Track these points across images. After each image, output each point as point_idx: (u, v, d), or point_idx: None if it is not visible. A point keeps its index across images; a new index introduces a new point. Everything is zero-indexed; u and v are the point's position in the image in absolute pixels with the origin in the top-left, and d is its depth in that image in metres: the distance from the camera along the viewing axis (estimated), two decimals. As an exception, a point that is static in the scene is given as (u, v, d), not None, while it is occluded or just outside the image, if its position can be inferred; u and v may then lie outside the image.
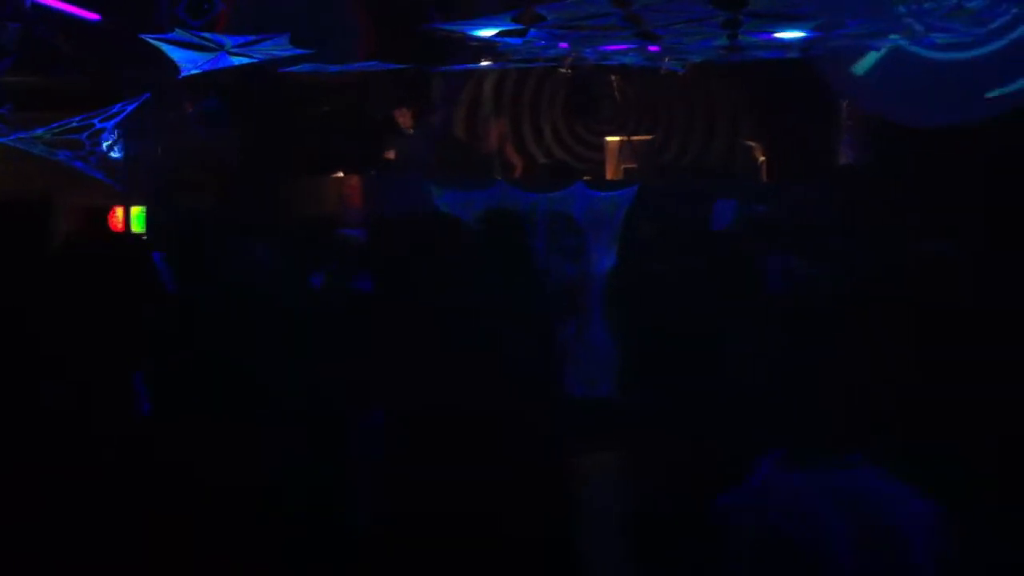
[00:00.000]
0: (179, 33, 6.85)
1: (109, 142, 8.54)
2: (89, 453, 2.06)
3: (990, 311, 3.05)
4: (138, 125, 8.36)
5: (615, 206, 8.20)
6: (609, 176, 10.84)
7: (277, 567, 2.09)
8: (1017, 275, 3.35)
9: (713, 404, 2.90)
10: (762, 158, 10.63)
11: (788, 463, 2.09)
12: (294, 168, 10.01)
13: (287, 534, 2.14)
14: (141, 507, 1.96)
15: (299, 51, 7.15)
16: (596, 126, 12.36)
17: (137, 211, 9.35)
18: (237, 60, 7.17)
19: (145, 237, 8.85)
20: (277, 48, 7.01)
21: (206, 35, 6.92)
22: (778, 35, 7.30)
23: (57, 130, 7.86)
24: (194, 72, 7.27)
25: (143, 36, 7.01)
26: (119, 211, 9.36)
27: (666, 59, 9.07)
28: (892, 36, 7.28)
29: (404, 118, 10.30)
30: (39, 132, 8.11)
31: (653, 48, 8.14)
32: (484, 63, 9.63)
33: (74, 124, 7.84)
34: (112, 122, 7.89)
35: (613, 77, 11.56)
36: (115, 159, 8.88)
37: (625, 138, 11.16)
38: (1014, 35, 7.56)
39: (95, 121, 7.83)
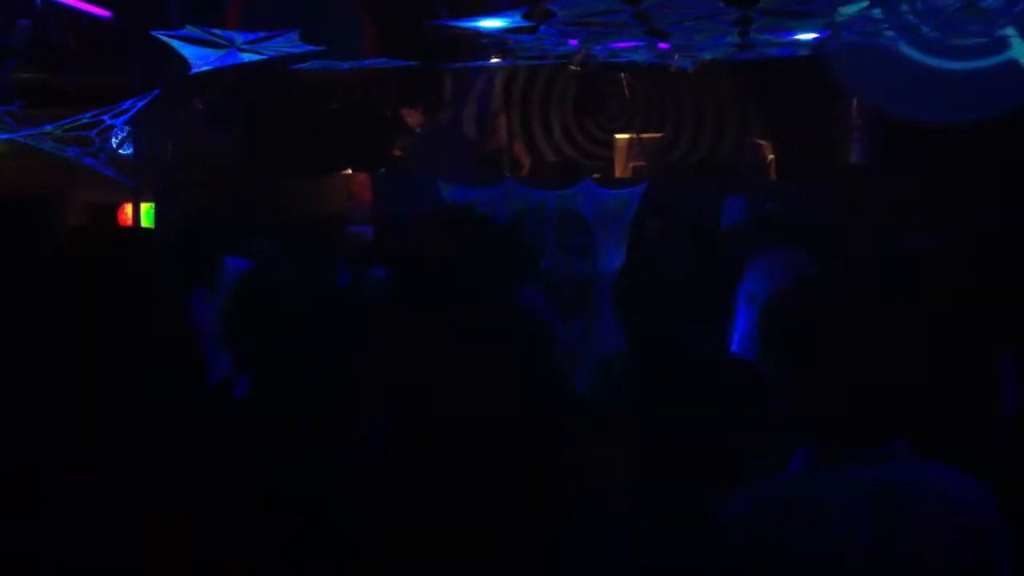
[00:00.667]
0: (189, 30, 6.86)
1: (119, 139, 8.56)
2: (98, 451, 2.06)
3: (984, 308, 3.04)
4: (148, 121, 8.37)
5: (624, 204, 8.20)
6: (618, 174, 10.83)
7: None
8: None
9: (720, 403, 2.90)
10: (771, 156, 10.61)
11: (816, 459, 2.00)
12: (303, 165, 10.02)
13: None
14: (172, 506, 1.96)
15: (309, 48, 7.16)
16: (605, 123, 12.35)
17: (147, 207, 9.37)
18: (247, 57, 7.18)
19: (153, 232, 8.87)
20: (287, 45, 7.02)
21: (216, 32, 6.94)
22: (791, 37, 7.28)
23: (67, 126, 7.88)
24: (204, 69, 7.28)
25: (153, 32, 7.02)
26: (128, 207, 9.37)
27: (676, 56, 9.06)
28: (894, 33, 7.27)
29: (413, 115, 10.30)
30: (49, 128, 8.13)
31: (663, 45, 8.13)
32: (494, 60, 9.63)
33: (84, 120, 7.86)
34: (122, 119, 7.91)
35: (622, 74, 11.54)
36: (125, 155, 8.90)
37: (634, 136, 11.15)
38: (998, 58, 7.59)
39: (105, 118, 7.85)
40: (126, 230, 6.82)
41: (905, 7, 6.19)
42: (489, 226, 3.32)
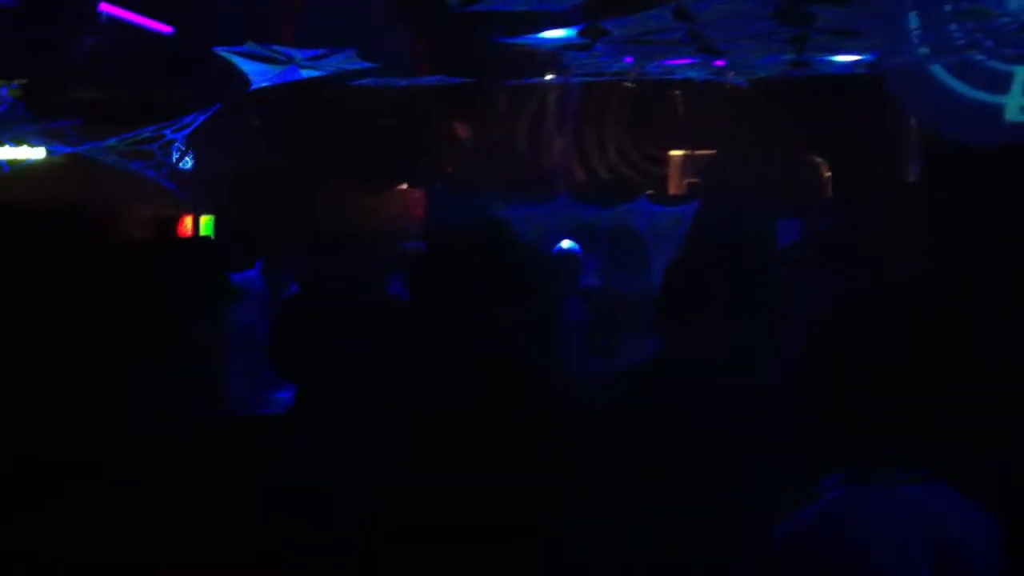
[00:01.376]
0: (250, 46, 6.99)
1: (179, 153, 8.72)
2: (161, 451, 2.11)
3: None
4: (208, 136, 8.52)
5: (678, 221, 8.19)
6: (672, 191, 10.82)
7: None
8: None
9: (766, 425, 2.89)
10: (827, 174, 10.54)
11: (851, 483, 1.99)
12: (359, 181, 10.12)
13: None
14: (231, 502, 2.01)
15: (367, 64, 7.25)
16: (659, 140, 12.34)
17: (206, 220, 9.53)
18: (306, 73, 7.29)
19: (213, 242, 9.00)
20: (346, 62, 7.13)
21: (277, 48, 7.05)
22: (842, 58, 7.23)
23: (130, 140, 8.05)
24: (264, 85, 7.41)
25: (215, 48, 7.15)
26: (188, 220, 9.54)
27: (730, 74, 9.05)
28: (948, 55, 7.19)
29: (468, 132, 10.38)
30: (112, 142, 8.31)
31: (718, 63, 8.13)
32: (548, 77, 9.68)
33: (146, 135, 8.02)
34: (183, 133, 8.06)
35: (677, 92, 11.53)
36: (185, 169, 9.06)
37: (688, 152, 11.14)
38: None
39: (167, 132, 8.01)
40: (187, 241, 6.93)
41: (953, 27, 6.15)
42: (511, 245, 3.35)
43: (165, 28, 8.43)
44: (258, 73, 7.34)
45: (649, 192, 9.51)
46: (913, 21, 5.97)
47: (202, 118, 8.04)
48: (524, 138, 11.33)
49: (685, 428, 2.82)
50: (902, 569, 1.91)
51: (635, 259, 8.23)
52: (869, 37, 6.55)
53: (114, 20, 8.44)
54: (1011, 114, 6.74)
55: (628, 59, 8.20)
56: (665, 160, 11.53)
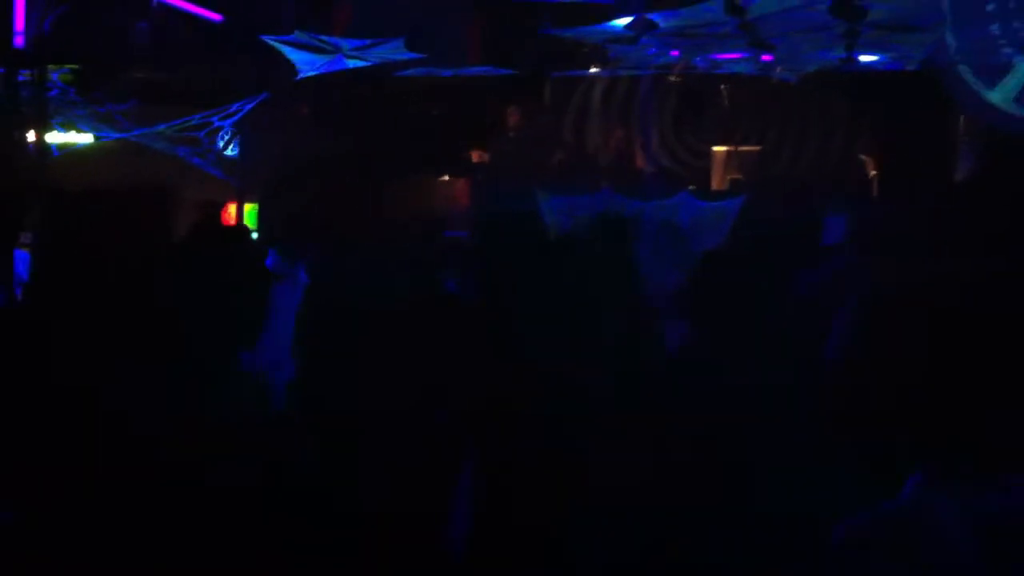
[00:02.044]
0: (298, 35, 7.03)
1: (225, 140, 8.79)
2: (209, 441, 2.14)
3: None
4: (254, 124, 8.58)
5: (721, 216, 8.14)
6: (715, 186, 10.76)
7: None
8: None
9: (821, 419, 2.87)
10: (874, 171, 10.44)
11: (930, 485, 1.93)
12: (402, 170, 10.14)
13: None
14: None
15: (413, 55, 7.28)
16: (704, 135, 12.26)
17: (250, 207, 9.59)
18: (353, 63, 7.33)
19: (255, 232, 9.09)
20: (392, 52, 7.15)
21: (324, 38, 7.09)
22: (899, 51, 7.15)
23: (178, 127, 8.13)
24: (311, 74, 7.45)
25: (263, 37, 7.20)
26: (232, 207, 9.60)
27: (778, 68, 8.98)
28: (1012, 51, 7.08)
29: (513, 123, 10.38)
30: (161, 128, 8.39)
31: (766, 57, 8.07)
32: (594, 69, 9.66)
33: (194, 121, 8.10)
34: (230, 120, 8.13)
35: (723, 86, 11.46)
36: (231, 156, 9.13)
37: (733, 148, 11.07)
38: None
39: (214, 119, 8.08)
40: (230, 229, 6.98)
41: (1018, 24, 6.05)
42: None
43: (214, 16, 8.50)
44: (305, 62, 7.39)
45: (692, 187, 9.46)
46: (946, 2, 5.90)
47: (249, 106, 8.10)
48: (568, 130, 11.31)
49: (721, 424, 2.81)
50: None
51: (677, 253, 8.21)
52: (923, 32, 6.48)
53: (165, 7, 8.52)
54: (997, 100, 6.65)
55: (674, 53, 8.17)
56: (709, 155, 11.45)
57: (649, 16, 6.47)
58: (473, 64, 8.83)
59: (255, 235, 9.06)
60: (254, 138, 8.92)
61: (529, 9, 7.07)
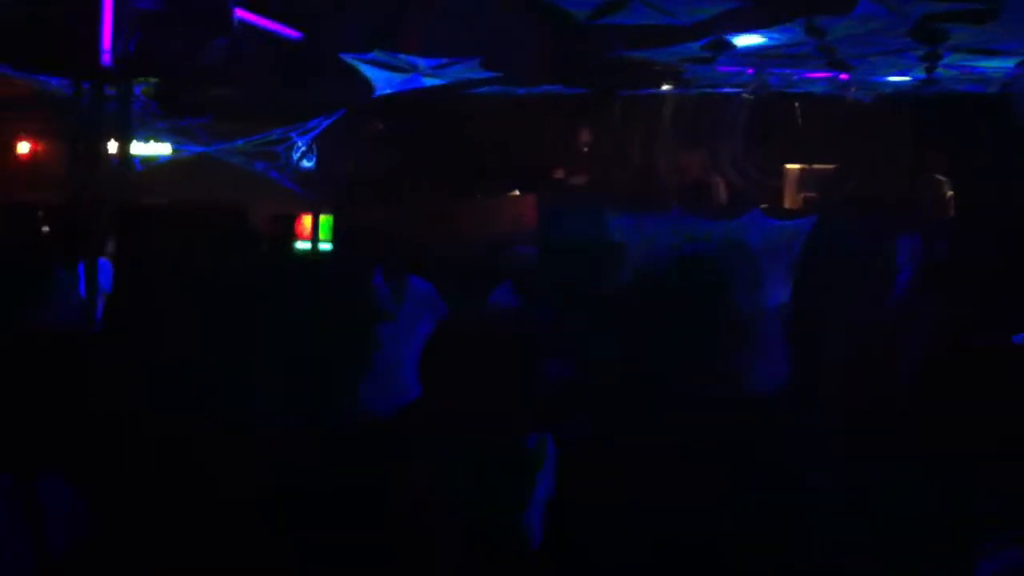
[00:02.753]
0: (377, 54, 7.14)
1: (301, 153, 8.94)
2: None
3: None
4: (331, 139, 8.71)
5: (793, 235, 8.08)
6: (788, 205, 10.68)
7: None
8: None
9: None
10: (950, 193, 10.29)
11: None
12: (472, 185, 10.23)
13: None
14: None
15: (488, 74, 7.35)
16: (776, 153, 12.18)
17: (325, 220, 9.74)
18: (429, 82, 7.42)
19: (330, 247, 9.22)
20: (468, 71, 7.23)
21: (401, 56, 7.19)
22: (979, 73, 7.06)
23: (258, 142, 8.29)
24: (387, 92, 7.56)
25: (342, 55, 7.32)
26: (307, 219, 9.76)
27: (853, 88, 8.91)
28: None
29: (583, 141, 10.42)
30: (239, 144, 8.57)
31: (843, 77, 8.02)
32: (666, 88, 9.67)
33: (274, 137, 8.25)
34: (308, 136, 8.27)
35: (796, 104, 11.38)
36: (306, 169, 9.28)
37: (806, 166, 10.98)
38: None
39: (293, 135, 8.23)
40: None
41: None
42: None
43: (294, 33, 8.65)
44: (382, 80, 7.50)
45: (764, 206, 9.40)
46: None
47: (327, 122, 8.23)
48: (639, 148, 11.31)
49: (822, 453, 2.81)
50: None
51: (747, 273, 8.16)
52: (1004, 57, 6.41)
53: (246, 24, 8.68)
54: None
55: (749, 71, 8.15)
56: (781, 173, 11.38)
57: (726, 37, 6.47)
58: (546, 83, 8.88)
59: (330, 247, 9.22)
60: (330, 153, 9.06)
61: (602, 30, 7.11)
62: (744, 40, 6.47)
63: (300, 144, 8.71)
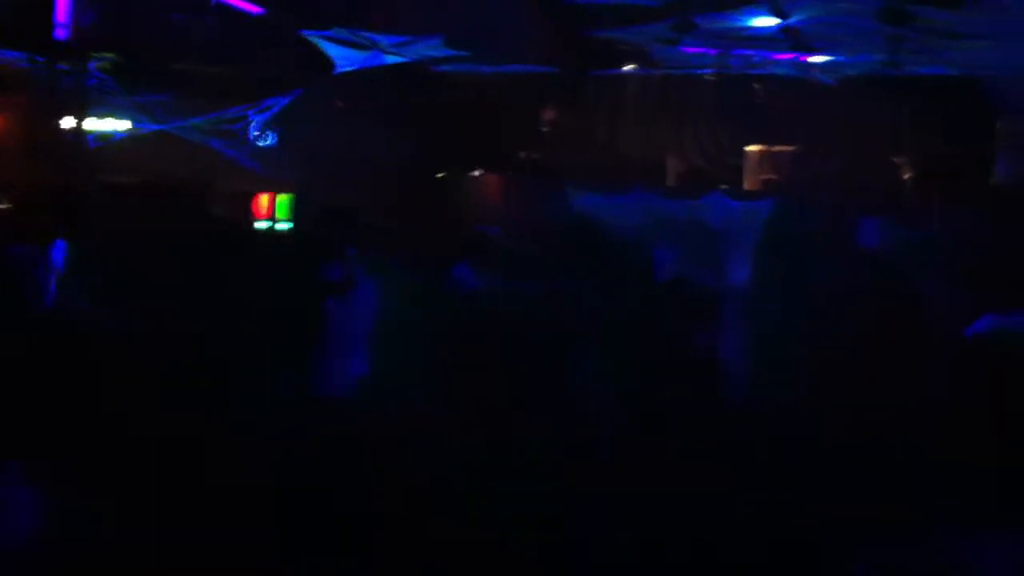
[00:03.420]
0: (337, 31, 7.05)
1: (259, 132, 8.83)
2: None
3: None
4: (290, 118, 8.61)
5: (753, 217, 8.11)
6: (748, 186, 10.71)
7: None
8: None
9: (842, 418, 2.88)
10: (909, 175, 10.37)
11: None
12: (436, 165, 10.15)
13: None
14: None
15: (452, 52, 7.29)
16: (738, 135, 12.20)
17: (283, 199, 9.63)
18: (391, 59, 7.34)
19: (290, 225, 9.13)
20: (430, 49, 7.16)
21: (363, 33, 7.11)
22: (942, 55, 7.10)
23: (215, 120, 8.17)
24: (349, 69, 7.47)
25: (302, 32, 7.22)
26: (265, 198, 9.64)
27: (816, 70, 8.93)
28: None
29: (549, 121, 10.37)
30: (197, 121, 8.43)
31: (805, 59, 8.03)
32: (630, 68, 9.64)
33: (230, 115, 8.13)
34: (266, 115, 8.16)
35: (757, 86, 11.40)
36: (265, 148, 9.17)
37: (767, 148, 11.01)
38: None
39: (250, 113, 8.12)
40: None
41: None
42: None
43: (255, 9, 8.53)
44: (343, 57, 7.41)
45: (724, 187, 9.43)
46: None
47: (285, 100, 8.13)
48: (603, 129, 11.29)
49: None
50: None
51: (709, 253, 8.18)
52: (971, 39, 6.43)
53: (205, -1, 8.56)
54: None
55: (713, 51, 8.14)
56: (742, 155, 11.40)
57: (692, 18, 6.45)
58: (513, 62, 8.82)
59: (288, 225, 9.12)
60: (290, 131, 8.95)
61: (571, 9, 7.06)
62: (710, 21, 6.46)
63: (259, 122, 8.59)
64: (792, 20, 6.16)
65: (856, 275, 5.66)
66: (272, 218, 9.39)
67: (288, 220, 9.29)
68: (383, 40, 7.16)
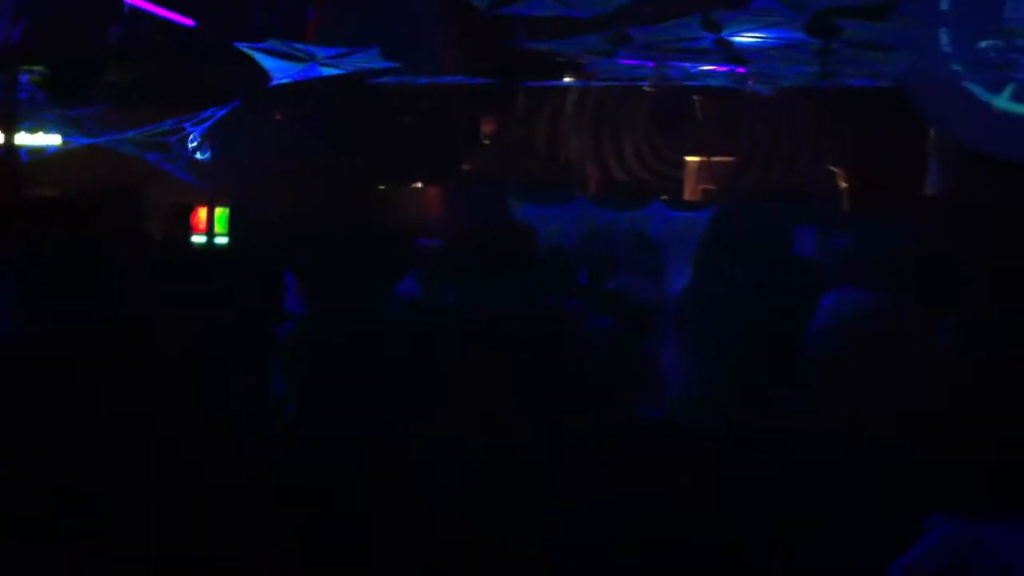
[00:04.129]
0: (272, 43, 7.01)
1: (196, 144, 8.73)
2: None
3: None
4: (227, 129, 8.52)
5: (692, 227, 8.17)
6: (688, 197, 10.79)
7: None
8: None
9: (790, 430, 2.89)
10: (845, 185, 10.51)
11: (962, 518, 1.91)
12: (375, 176, 10.11)
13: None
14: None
15: (388, 64, 7.27)
16: (676, 145, 12.30)
17: (221, 212, 9.52)
18: (327, 71, 7.31)
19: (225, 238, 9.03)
20: (366, 60, 7.14)
21: (298, 46, 7.08)
22: (872, 67, 7.22)
23: (149, 133, 8.07)
24: (284, 81, 7.43)
25: (237, 44, 7.17)
26: (202, 212, 9.53)
27: (751, 81, 9.04)
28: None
29: (486, 132, 10.38)
30: (131, 134, 8.33)
31: (740, 70, 8.13)
32: (568, 79, 9.68)
33: (165, 128, 8.05)
34: (202, 127, 8.08)
35: (696, 97, 11.50)
36: (202, 161, 9.07)
37: (705, 159, 11.10)
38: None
39: (186, 125, 8.04)
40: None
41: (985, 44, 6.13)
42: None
43: (187, 21, 8.45)
44: (279, 69, 7.37)
45: (664, 197, 9.49)
46: (944, 37, 5.97)
47: (221, 112, 8.05)
48: (542, 139, 11.32)
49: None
50: None
51: (649, 263, 8.23)
52: (897, 51, 6.55)
53: (137, 11, 8.46)
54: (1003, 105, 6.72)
55: (649, 64, 8.21)
56: (681, 166, 11.49)
57: (625, 30, 6.50)
58: (447, 73, 8.83)
59: (227, 239, 9.02)
60: (226, 144, 8.87)
61: (505, 21, 7.09)
62: (643, 33, 6.51)
63: (196, 135, 8.50)
64: (724, 33, 6.23)
65: (793, 284, 5.71)
66: (210, 232, 9.29)
67: (226, 234, 9.19)
68: (319, 52, 7.14)
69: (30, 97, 8.77)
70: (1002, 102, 6.53)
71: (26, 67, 8.60)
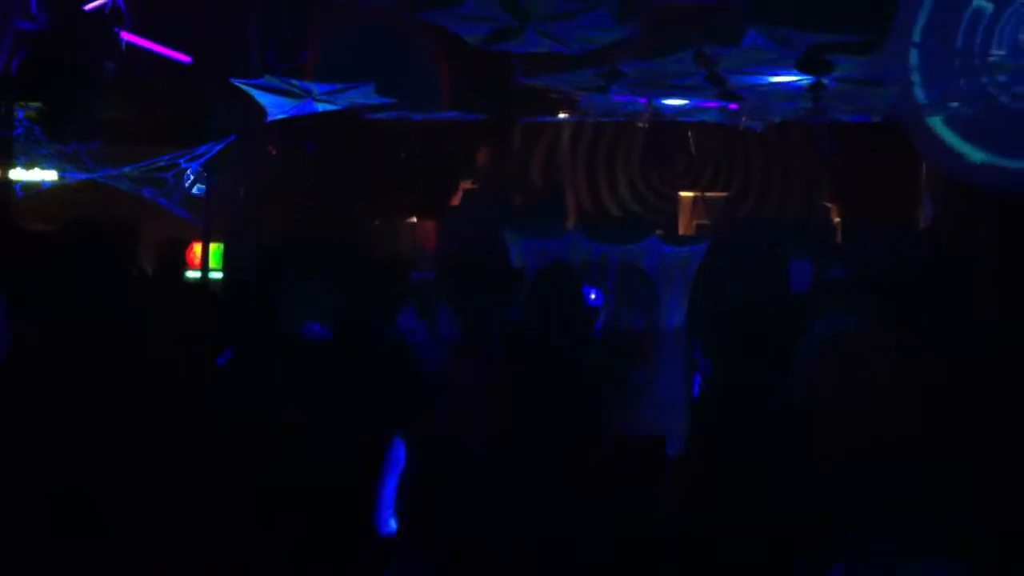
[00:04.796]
0: (268, 79, 7.05)
1: (191, 179, 8.75)
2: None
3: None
4: (222, 165, 8.55)
5: (687, 261, 8.19)
6: (682, 231, 10.84)
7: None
8: None
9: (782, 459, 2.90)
10: (838, 219, 10.57)
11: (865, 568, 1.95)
12: (371, 211, 10.15)
13: None
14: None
15: (383, 100, 7.31)
16: (671, 180, 12.36)
17: (215, 247, 9.53)
18: (323, 107, 7.34)
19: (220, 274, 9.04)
20: (362, 96, 7.18)
21: (294, 82, 7.11)
22: (864, 103, 7.26)
23: (145, 168, 8.10)
24: (280, 117, 7.46)
25: (233, 80, 7.21)
26: (197, 247, 9.54)
27: (744, 117, 9.10)
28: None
29: (481, 166, 10.44)
30: (127, 170, 8.35)
31: (733, 106, 8.18)
32: (562, 115, 9.74)
33: (161, 163, 8.07)
34: (198, 162, 8.11)
35: (690, 132, 11.58)
36: (197, 196, 9.08)
37: (699, 193, 11.16)
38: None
39: (181, 161, 8.06)
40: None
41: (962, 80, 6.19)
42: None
43: (184, 57, 8.49)
44: (275, 105, 7.40)
45: (658, 232, 9.52)
46: (914, 58, 6.03)
47: (217, 148, 8.08)
48: (537, 174, 11.38)
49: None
50: None
51: (643, 297, 8.24)
52: (887, 87, 6.60)
53: (133, 48, 8.50)
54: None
55: (643, 100, 8.26)
56: (676, 200, 11.56)
57: (618, 66, 6.55)
58: (443, 109, 8.88)
59: (220, 275, 9.02)
60: (221, 179, 8.89)
61: (500, 57, 7.14)
62: (636, 69, 6.56)
63: (191, 170, 8.52)
64: (717, 69, 6.28)
65: (788, 316, 5.72)
66: (204, 267, 9.29)
67: (220, 269, 9.19)
68: (315, 88, 7.17)
69: (26, 132, 8.79)
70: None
71: (22, 102, 8.62)
